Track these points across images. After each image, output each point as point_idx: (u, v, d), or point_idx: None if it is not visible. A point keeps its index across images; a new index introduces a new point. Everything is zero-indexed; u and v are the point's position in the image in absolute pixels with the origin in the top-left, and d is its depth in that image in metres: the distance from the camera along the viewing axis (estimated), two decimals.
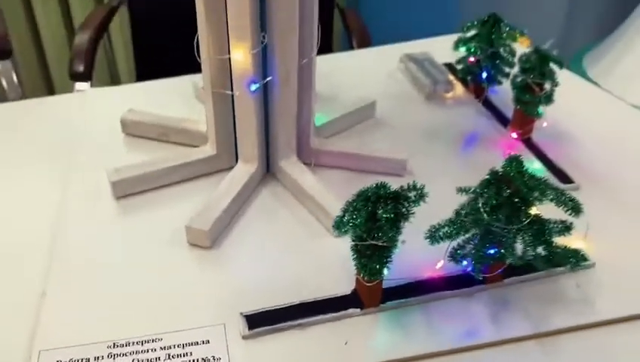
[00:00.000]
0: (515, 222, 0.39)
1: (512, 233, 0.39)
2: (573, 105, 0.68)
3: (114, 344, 0.39)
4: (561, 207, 0.40)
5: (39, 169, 0.57)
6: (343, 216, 0.38)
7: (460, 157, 0.60)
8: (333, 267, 0.46)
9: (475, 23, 0.65)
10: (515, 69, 0.60)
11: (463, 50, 0.67)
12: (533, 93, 0.57)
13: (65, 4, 1.71)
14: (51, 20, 1.72)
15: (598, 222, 0.50)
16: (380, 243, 0.37)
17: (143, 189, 0.53)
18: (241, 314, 0.41)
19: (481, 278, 0.43)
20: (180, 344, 0.39)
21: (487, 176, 0.40)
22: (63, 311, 0.42)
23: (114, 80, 1.56)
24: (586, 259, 0.46)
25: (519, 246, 0.41)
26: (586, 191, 0.55)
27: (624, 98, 1.38)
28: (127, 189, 0.53)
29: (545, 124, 0.61)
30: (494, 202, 0.39)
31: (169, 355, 0.39)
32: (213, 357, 0.39)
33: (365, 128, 0.64)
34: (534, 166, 0.58)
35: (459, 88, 0.71)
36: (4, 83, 1.25)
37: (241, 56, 0.48)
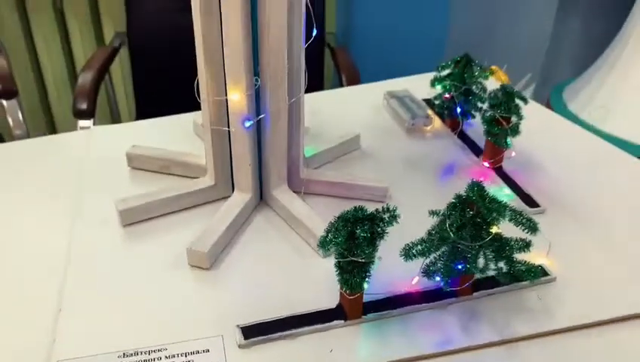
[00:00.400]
0: (477, 239, 0.45)
1: (476, 249, 0.45)
2: (540, 136, 0.75)
3: (124, 353, 0.44)
4: (518, 227, 0.46)
5: (52, 199, 0.62)
6: (327, 235, 0.44)
7: (437, 185, 0.66)
8: (320, 284, 0.51)
9: (449, 63, 0.72)
10: (486, 104, 0.67)
11: (439, 88, 0.73)
12: (501, 126, 0.63)
13: (67, 45, 1.79)
14: (54, 60, 1.79)
15: (560, 241, 0.56)
16: (359, 260, 0.43)
17: (148, 217, 0.59)
18: (237, 326, 0.46)
19: (451, 291, 0.48)
20: (182, 353, 0.44)
21: (453, 200, 0.46)
22: (77, 325, 0.47)
23: (114, 118, 1.63)
24: (546, 274, 0.52)
25: (483, 262, 0.46)
26: (551, 214, 0.61)
27: (602, 128, 1.46)
28: (134, 217, 0.58)
29: (513, 154, 0.68)
30: (459, 222, 0.44)
31: None
32: None
33: (351, 159, 0.70)
34: (504, 192, 0.63)
35: (436, 122, 0.78)
36: (10, 121, 1.31)
37: (237, 97, 0.54)
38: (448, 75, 0.72)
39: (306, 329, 0.46)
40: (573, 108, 1.52)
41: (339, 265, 0.45)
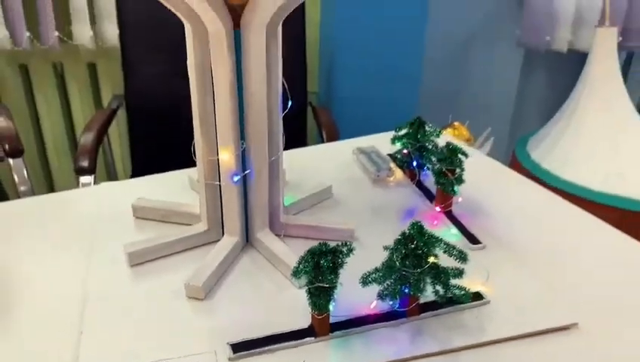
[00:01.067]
0: (418, 267, 0.57)
1: (417, 276, 0.57)
2: (485, 184, 0.88)
3: None
4: (451, 257, 0.58)
5: (69, 245, 0.73)
6: (298, 266, 0.55)
7: (397, 227, 0.78)
8: (296, 309, 0.62)
9: (406, 124, 0.85)
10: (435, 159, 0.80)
11: (398, 145, 0.87)
12: (447, 176, 0.76)
13: (67, 106, 1.93)
14: (53, 121, 1.93)
15: (497, 270, 0.68)
16: (324, 285, 0.55)
17: (152, 258, 0.70)
18: (228, 343, 0.57)
19: (402, 311, 0.60)
20: None
21: (399, 236, 0.58)
22: (95, 344, 0.57)
23: (110, 174, 1.75)
24: (482, 297, 0.64)
25: (424, 286, 0.58)
26: (491, 249, 0.73)
27: (561, 175, 1.60)
28: (140, 258, 0.69)
29: (460, 199, 0.80)
30: (403, 254, 0.56)
31: None
32: None
33: (324, 206, 0.83)
34: (452, 231, 0.76)
35: (398, 173, 0.91)
36: (16, 178, 1.43)
37: (227, 157, 0.67)
38: (405, 135, 0.85)
39: (284, 344, 0.57)
40: (536, 157, 1.67)
41: (309, 291, 0.56)
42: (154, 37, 1.52)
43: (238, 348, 0.57)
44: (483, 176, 0.89)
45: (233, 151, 0.67)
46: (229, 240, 0.71)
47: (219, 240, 0.72)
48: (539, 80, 2.15)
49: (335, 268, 0.55)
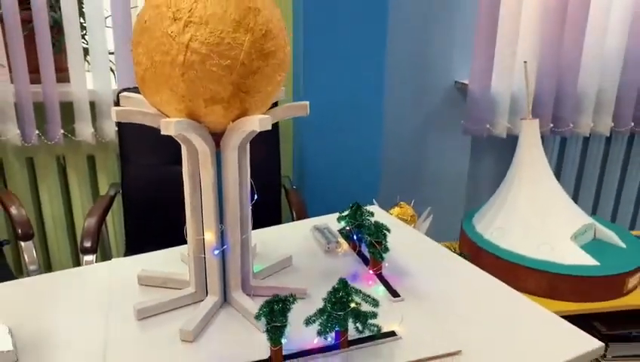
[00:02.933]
0: (343, 310, 0.83)
1: (342, 316, 0.83)
2: (409, 252, 1.15)
3: None
4: (366, 303, 0.85)
5: (84, 310, 0.98)
6: (259, 311, 0.81)
7: None
8: (260, 346, 0.88)
9: (348, 207, 1.14)
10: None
11: (342, 223, 1.15)
12: (375, 247, 1.04)
13: (67, 194, 2.20)
14: (54, 207, 2.19)
15: (408, 315, 0.94)
16: (277, 324, 0.80)
17: (155, 313, 0.95)
18: None
19: (336, 344, 0.85)
20: None
21: (331, 289, 0.84)
22: None
23: (106, 252, 2.00)
24: (395, 334, 0.90)
25: (350, 324, 0.84)
26: (407, 300, 1.00)
27: (500, 244, 1.88)
28: (145, 314, 0.95)
29: (387, 264, 1.08)
30: (333, 301, 0.83)
31: None
32: None
33: (286, 272, 1.10)
34: (380, 288, 1.02)
35: (344, 245, 1.19)
36: (26, 258, 1.67)
37: (210, 236, 0.94)
38: (347, 215, 1.13)
39: None
40: (480, 229, 1.96)
41: (266, 329, 0.82)
42: (147, 132, 1.83)
43: None
44: (410, 247, 1.17)
45: (214, 232, 0.94)
46: (211, 299, 0.97)
47: (203, 300, 0.98)
48: (485, 161, 2.49)
49: (284, 312, 0.81)
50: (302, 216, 1.77)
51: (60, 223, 2.18)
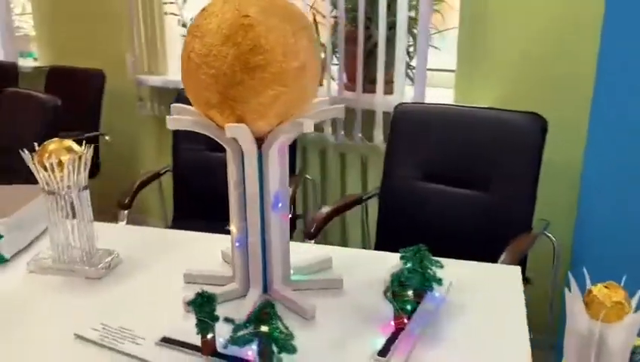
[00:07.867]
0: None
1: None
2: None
3: None
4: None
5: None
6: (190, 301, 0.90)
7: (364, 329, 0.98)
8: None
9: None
10: None
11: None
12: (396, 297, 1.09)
13: None
14: None
15: None
16: (202, 317, 0.87)
17: None
18: None
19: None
20: None
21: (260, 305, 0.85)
22: None
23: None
24: None
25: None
26: None
27: None
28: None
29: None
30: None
31: None
32: None
33: (331, 293, 1.17)
34: (379, 341, 0.93)
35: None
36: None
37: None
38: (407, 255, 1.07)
39: None
40: None
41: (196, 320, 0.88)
42: None
43: None
44: None
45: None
46: (255, 292, 1.06)
47: (246, 295, 1.06)
48: None
49: (210, 304, 0.88)
50: None
51: None
